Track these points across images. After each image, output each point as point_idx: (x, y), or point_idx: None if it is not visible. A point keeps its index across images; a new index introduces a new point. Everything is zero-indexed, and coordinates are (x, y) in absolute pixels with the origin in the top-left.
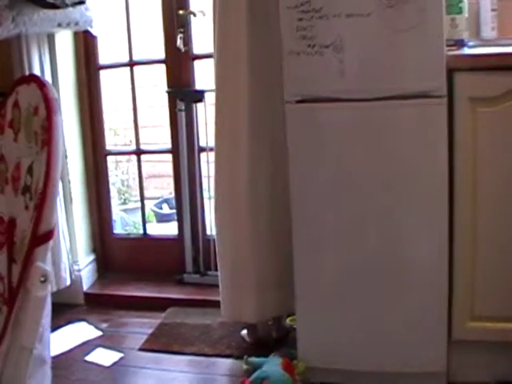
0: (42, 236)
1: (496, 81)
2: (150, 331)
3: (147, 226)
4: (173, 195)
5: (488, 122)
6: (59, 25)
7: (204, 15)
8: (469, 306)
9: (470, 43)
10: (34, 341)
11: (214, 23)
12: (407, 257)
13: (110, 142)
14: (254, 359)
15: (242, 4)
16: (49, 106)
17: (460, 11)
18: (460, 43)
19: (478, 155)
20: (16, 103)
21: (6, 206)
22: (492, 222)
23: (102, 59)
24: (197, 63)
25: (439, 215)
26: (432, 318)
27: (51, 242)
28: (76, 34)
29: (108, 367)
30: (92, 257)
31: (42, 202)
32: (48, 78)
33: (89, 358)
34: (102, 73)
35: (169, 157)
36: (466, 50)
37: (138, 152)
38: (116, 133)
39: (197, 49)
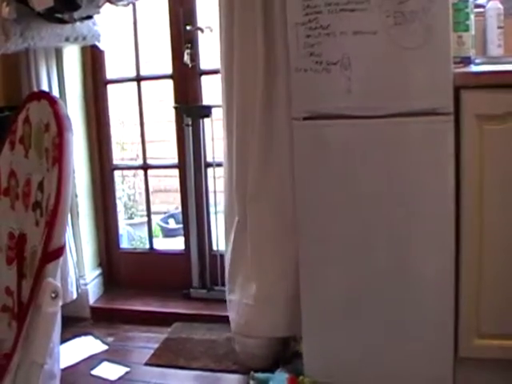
0: (53, 252)
1: (503, 98)
2: (155, 346)
3: (153, 240)
4: (179, 210)
5: (495, 140)
6: (67, 39)
7: (211, 31)
8: (475, 323)
9: (477, 60)
10: (45, 356)
11: (221, 39)
12: (413, 274)
13: (117, 156)
14: (259, 375)
15: (258, 18)
16: (60, 123)
17: (467, 29)
18: (467, 61)
19: (485, 172)
20: (27, 119)
21: (16, 221)
22: (499, 239)
23: (110, 74)
24: (204, 79)
25: (446, 232)
26: (438, 335)
27: (62, 259)
28: (83, 49)
29: (114, 381)
30: (98, 271)
31: (53, 218)
32: (55, 92)
33: (95, 371)
34: (110, 87)
35: (175, 172)
36: (473, 68)
37: (145, 167)
38: (123, 147)
39: (204, 64)
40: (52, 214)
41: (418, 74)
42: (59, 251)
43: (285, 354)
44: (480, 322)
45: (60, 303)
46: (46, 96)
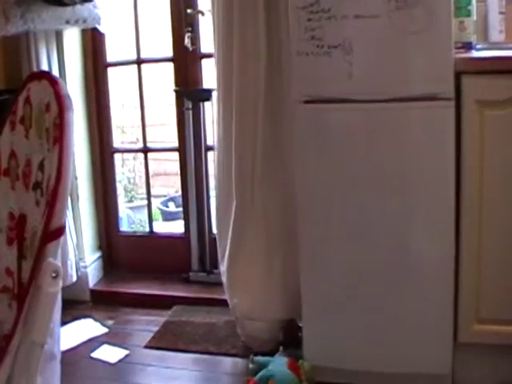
0: (54, 232)
1: (504, 84)
2: (155, 329)
3: (153, 223)
4: (179, 193)
5: (495, 125)
6: (67, 22)
7: None
8: (475, 308)
9: (478, 46)
10: (46, 336)
11: (219, 21)
12: (414, 260)
13: (117, 139)
14: (259, 358)
15: (259, 2)
16: (61, 103)
17: (468, 14)
18: (468, 46)
19: (485, 158)
20: (27, 100)
21: (16, 202)
22: (499, 224)
23: (110, 57)
24: (204, 62)
25: (446, 218)
26: (438, 320)
27: (62, 238)
28: (84, 32)
29: (113, 364)
30: (98, 254)
31: (53, 198)
32: (56, 74)
33: (94, 354)
34: (110, 70)
35: (175, 155)
36: (474, 53)
37: (145, 150)
38: (123, 131)
39: (205, 48)
40: (53, 194)
41: (419, 59)
42: (60, 231)
43: (285, 337)
44: (480, 308)
45: (61, 283)
46: (47, 76)
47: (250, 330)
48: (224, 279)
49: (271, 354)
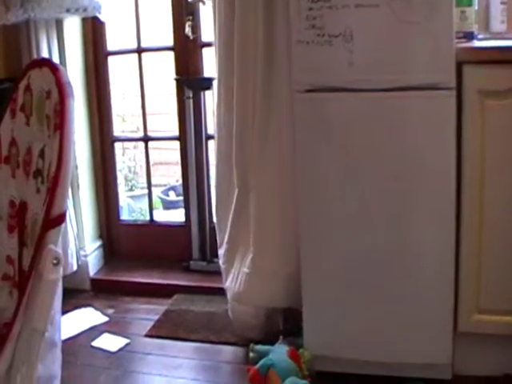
0: (55, 219)
1: (505, 74)
2: (155, 318)
3: (154, 212)
4: (179, 182)
5: (496, 115)
6: (68, 10)
7: None
8: (475, 298)
9: (480, 36)
10: (46, 323)
11: (220, 10)
12: (414, 248)
13: (118, 128)
14: (260, 347)
15: None
16: (62, 90)
17: (470, 4)
18: (469, 36)
19: (486, 148)
20: (28, 87)
21: (17, 189)
22: (499, 214)
23: (110, 45)
24: (205, 51)
25: (446, 207)
26: (438, 310)
27: (63, 225)
28: (84, 20)
29: (114, 353)
30: (98, 243)
31: (54, 185)
32: None
33: (95, 343)
34: (110, 59)
35: (176, 144)
36: (476, 43)
37: (146, 139)
38: (123, 119)
39: (205, 36)
40: (54, 180)
41: (421, 49)
42: (61, 218)
43: (285, 326)
44: (480, 298)
45: (61, 270)
46: (48, 63)
47: (238, 314)
48: (221, 262)
49: (271, 343)
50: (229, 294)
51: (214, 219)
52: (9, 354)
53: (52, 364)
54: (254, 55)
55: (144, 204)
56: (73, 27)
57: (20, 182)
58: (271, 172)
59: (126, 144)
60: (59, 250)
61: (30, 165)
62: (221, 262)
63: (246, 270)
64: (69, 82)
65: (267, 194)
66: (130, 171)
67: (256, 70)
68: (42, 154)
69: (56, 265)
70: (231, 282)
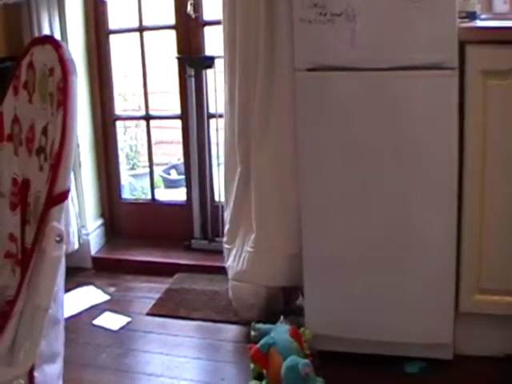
0: (58, 196)
1: (507, 54)
2: (157, 296)
3: (155, 191)
4: (181, 161)
5: (499, 95)
6: None
7: None
8: (476, 278)
9: (483, 16)
10: (50, 300)
11: None
12: (415, 229)
13: (119, 107)
14: (261, 326)
15: None
16: (65, 67)
17: None
18: (472, 16)
19: (488, 128)
20: (31, 64)
21: (19, 167)
22: (501, 195)
23: (112, 24)
24: (207, 29)
25: (448, 187)
26: (439, 290)
27: (66, 203)
28: None
29: (115, 331)
30: (100, 221)
31: (57, 162)
32: None
33: (96, 321)
34: (112, 38)
35: (178, 123)
36: (478, 23)
37: (147, 117)
38: (125, 98)
39: (207, 15)
40: (57, 157)
41: (423, 28)
42: (64, 195)
43: (285, 307)
44: (481, 278)
45: (64, 247)
46: (51, 40)
47: (239, 294)
48: (224, 240)
49: (273, 322)
50: (230, 273)
51: (216, 199)
52: (12, 331)
53: (55, 341)
54: (256, 34)
55: (145, 183)
56: (74, 6)
57: (23, 160)
58: (272, 151)
59: (128, 123)
60: (62, 227)
61: (33, 142)
62: (224, 241)
63: (248, 248)
64: (72, 59)
65: (268, 173)
66: (131, 150)
67: (258, 49)
68: (44, 132)
69: (59, 242)
70: (233, 261)
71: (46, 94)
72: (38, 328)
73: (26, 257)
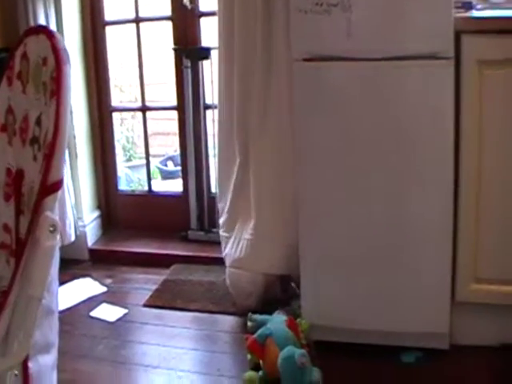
0: (51, 186)
1: (503, 44)
2: (154, 287)
3: (152, 182)
4: (177, 153)
5: (495, 85)
6: None
7: None
8: (473, 268)
9: (478, 6)
10: (43, 290)
11: None
12: (412, 218)
13: (116, 98)
14: (258, 316)
15: None
16: (58, 57)
17: None
18: (468, 6)
19: (484, 117)
20: (24, 55)
21: (13, 157)
22: (497, 184)
23: (108, 15)
24: (203, 20)
25: (444, 176)
26: (436, 279)
27: (60, 192)
28: None
29: (112, 323)
30: (96, 213)
31: (51, 151)
32: None
33: (93, 313)
34: (108, 29)
35: (174, 114)
36: (474, 13)
37: (144, 108)
38: (121, 89)
39: (203, 6)
40: (50, 147)
41: (419, 18)
42: (57, 184)
43: (282, 295)
44: (477, 267)
45: (58, 237)
46: (44, 30)
47: (236, 282)
48: (221, 231)
49: (269, 312)
50: (228, 261)
51: (213, 190)
52: (5, 321)
53: (49, 331)
54: (253, 25)
55: (142, 174)
56: None
57: (17, 150)
58: (271, 142)
59: (124, 114)
60: (56, 217)
61: (27, 132)
62: (221, 230)
63: (247, 236)
64: (65, 48)
65: (267, 164)
66: (127, 141)
67: (255, 40)
68: (38, 122)
69: (52, 232)
70: (231, 249)
71: (39, 84)
72: (32, 318)
73: (20, 247)
